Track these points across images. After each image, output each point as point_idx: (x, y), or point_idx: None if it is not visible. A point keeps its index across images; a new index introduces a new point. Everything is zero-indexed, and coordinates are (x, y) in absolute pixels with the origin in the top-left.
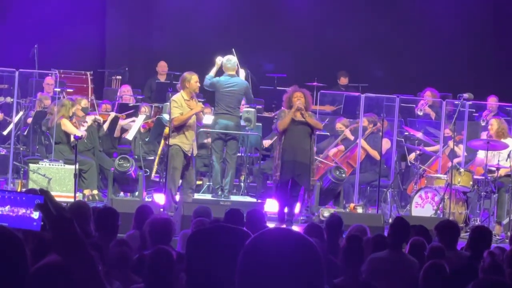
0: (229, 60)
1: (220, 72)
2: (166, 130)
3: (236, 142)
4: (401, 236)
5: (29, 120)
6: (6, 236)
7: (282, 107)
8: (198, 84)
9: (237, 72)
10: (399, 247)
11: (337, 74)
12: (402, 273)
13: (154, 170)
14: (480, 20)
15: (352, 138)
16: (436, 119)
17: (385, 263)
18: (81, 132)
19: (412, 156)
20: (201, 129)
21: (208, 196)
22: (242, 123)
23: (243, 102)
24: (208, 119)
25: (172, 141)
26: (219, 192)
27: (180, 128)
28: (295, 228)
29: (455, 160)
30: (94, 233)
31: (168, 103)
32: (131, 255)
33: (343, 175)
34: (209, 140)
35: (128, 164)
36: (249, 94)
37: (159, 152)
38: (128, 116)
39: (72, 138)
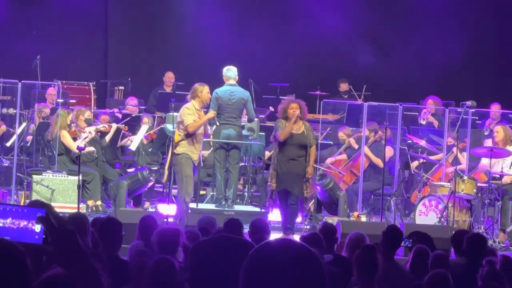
0: (230, 70)
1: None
2: (177, 137)
3: (238, 151)
4: (393, 244)
5: (29, 137)
6: (8, 250)
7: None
8: (210, 95)
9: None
10: (391, 255)
11: (337, 82)
12: (393, 280)
13: (166, 175)
14: (483, 27)
15: (356, 146)
16: (439, 127)
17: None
18: (82, 141)
19: (415, 163)
20: (204, 139)
21: (211, 206)
22: (245, 132)
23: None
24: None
25: (180, 149)
26: (223, 202)
27: (188, 137)
28: (297, 237)
29: (458, 167)
30: (91, 246)
31: (171, 113)
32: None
33: (328, 182)
34: (205, 152)
35: (154, 175)
36: (250, 106)
37: (168, 158)
38: (130, 127)
39: (75, 150)
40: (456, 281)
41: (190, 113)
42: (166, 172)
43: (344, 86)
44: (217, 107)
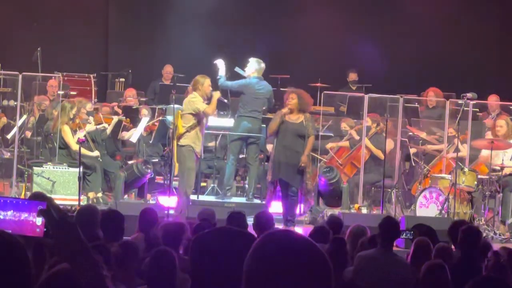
0: (259, 63)
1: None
2: (181, 129)
3: (257, 146)
4: (390, 235)
5: (28, 132)
6: (9, 243)
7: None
8: (211, 88)
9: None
10: (388, 246)
11: (345, 72)
12: (390, 272)
13: (176, 166)
14: (484, 18)
15: (358, 137)
16: (438, 119)
17: (373, 262)
18: (83, 133)
19: (413, 150)
20: (222, 132)
21: (212, 198)
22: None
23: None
24: (228, 122)
25: (184, 141)
26: (228, 193)
27: (193, 129)
28: (298, 229)
29: (459, 154)
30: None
31: (172, 105)
32: (136, 257)
33: (334, 175)
34: (212, 143)
35: (150, 167)
36: (272, 99)
37: (175, 151)
38: (130, 119)
39: (75, 141)
40: (456, 273)
41: (200, 100)
42: (177, 165)
43: (353, 76)
44: (242, 97)
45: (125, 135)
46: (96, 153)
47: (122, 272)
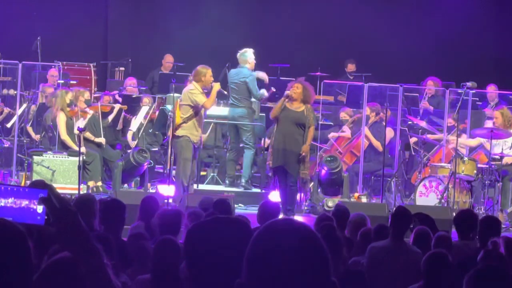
0: (242, 54)
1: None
2: (178, 119)
3: (243, 131)
4: (403, 226)
5: (30, 129)
6: (9, 230)
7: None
8: (212, 78)
9: None
10: (401, 237)
11: (344, 62)
12: (403, 262)
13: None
14: (483, 6)
15: (356, 118)
16: (436, 108)
17: (386, 253)
18: (82, 122)
19: (413, 139)
20: (216, 120)
21: (212, 187)
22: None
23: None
24: (223, 111)
25: (182, 132)
26: (227, 181)
27: (191, 119)
28: (298, 218)
29: (459, 140)
30: (99, 228)
31: (171, 94)
32: (149, 248)
33: (337, 165)
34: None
35: (147, 155)
36: (251, 86)
37: (170, 141)
38: (130, 108)
39: (76, 131)
40: (460, 264)
41: (199, 92)
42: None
43: (351, 67)
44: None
45: (129, 139)
46: (96, 154)
47: (129, 262)
